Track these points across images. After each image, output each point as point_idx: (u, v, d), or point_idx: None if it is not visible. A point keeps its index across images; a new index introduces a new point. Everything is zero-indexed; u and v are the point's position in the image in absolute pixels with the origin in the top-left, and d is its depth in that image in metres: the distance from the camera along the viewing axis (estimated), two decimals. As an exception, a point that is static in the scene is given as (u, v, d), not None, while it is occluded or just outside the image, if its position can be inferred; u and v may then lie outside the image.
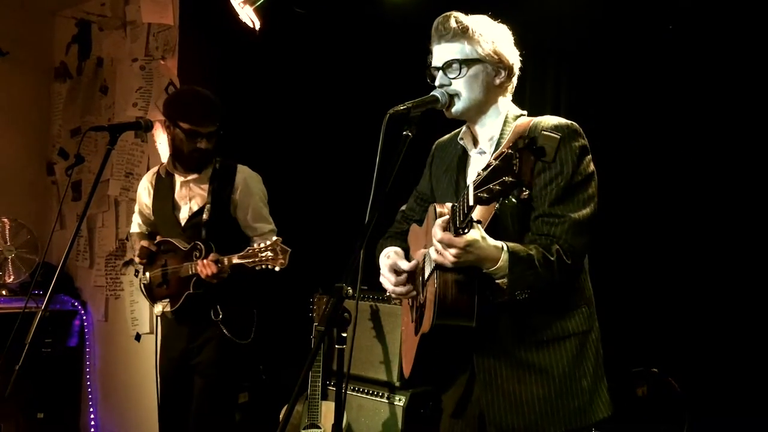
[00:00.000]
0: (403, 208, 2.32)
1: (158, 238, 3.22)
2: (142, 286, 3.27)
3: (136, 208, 3.41)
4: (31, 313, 3.34)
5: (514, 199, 1.49)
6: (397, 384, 3.67)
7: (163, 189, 3.22)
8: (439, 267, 1.73)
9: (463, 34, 1.93)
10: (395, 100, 1.94)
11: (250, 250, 2.88)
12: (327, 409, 3.46)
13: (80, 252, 4.69)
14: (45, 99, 4.98)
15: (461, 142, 2.05)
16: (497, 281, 1.75)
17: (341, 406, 1.86)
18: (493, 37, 1.96)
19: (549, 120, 1.93)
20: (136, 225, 3.44)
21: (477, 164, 2.00)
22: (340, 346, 1.68)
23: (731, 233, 3.17)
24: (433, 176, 2.18)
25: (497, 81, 1.98)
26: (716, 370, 3.25)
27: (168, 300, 3.12)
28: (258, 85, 4.13)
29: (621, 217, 3.28)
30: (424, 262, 1.92)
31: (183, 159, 3.10)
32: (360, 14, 3.80)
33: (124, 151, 4.41)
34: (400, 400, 3.64)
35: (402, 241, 2.20)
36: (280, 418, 3.50)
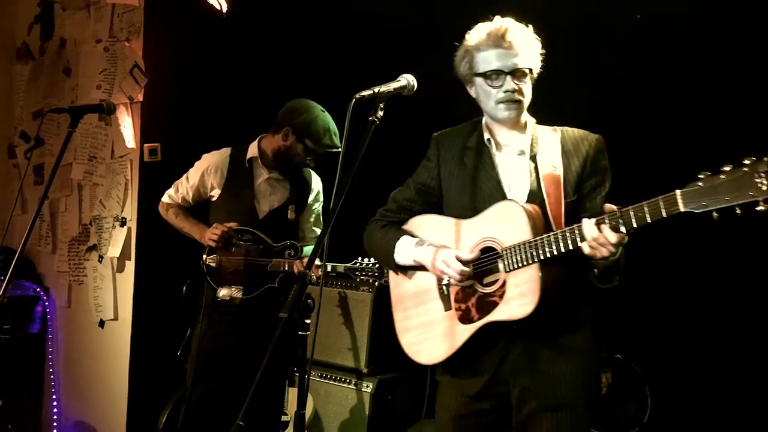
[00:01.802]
0: (397, 197, 2.31)
1: (234, 225, 3.23)
2: (206, 268, 3.28)
3: (192, 183, 3.36)
4: (-9, 299, 3.26)
5: (738, 212, 1.59)
6: (365, 371, 3.68)
7: (241, 177, 3.30)
8: (545, 260, 1.90)
9: (527, 45, 2.07)
10: (363, 84, 1.93)
11: (358, 263, 3.08)
12: (294, 396, 3.44)
13: (43, 237, 4.60)
14: (6, 80, 4.85)
15: (488, 144, 2.14)
16: (600, 268, 1.94)
17: (304, 393, 1.86)
18: (539, 50, 2.11)
19: (578, 130, 2.13)
20: (179, 197, 3.40)
21: (507, 163, 2.12)
22: (304, 333, 1.67)
23: (690, 219, 3.21)
24: (442, 171, 2.20)
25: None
26: (677, 357, 3.31)
27: (241, 287, 3.22)
28: (224, 68, 4.08)
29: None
30: (486, 255, 2.05)
31: (286, 165, 3.29)
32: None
33: (88, 134, 4.32)
34: (367, 386, 3.65)
35: (403, 230, 2.26)
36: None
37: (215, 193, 3.34)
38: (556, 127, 2.14)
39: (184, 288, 3.40)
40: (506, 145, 2.14)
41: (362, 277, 3.11)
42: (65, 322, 4.50)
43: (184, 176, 3.42)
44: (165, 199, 3.46)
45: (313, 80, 3.82)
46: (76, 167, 4.37)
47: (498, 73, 2.04)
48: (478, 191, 2.10)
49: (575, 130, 2.13)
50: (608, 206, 1.84)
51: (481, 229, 2.07)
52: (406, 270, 2.24)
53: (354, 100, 1.86)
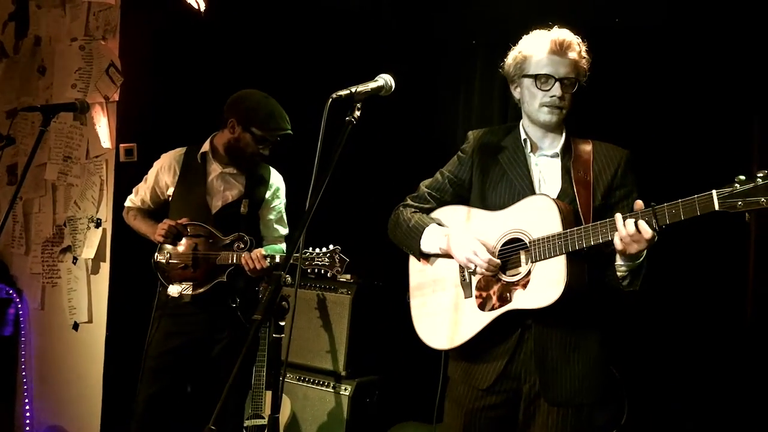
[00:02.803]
0: (427, 186, 2.39)
1: (184, 220, 3.17)
2: (157, 264, 3.23)
3: (149, 183, 3.34)
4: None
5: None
6: (343, 374, 3.66)
7: (195, 173, 3.25)
8: (573, 253, 1.98)
9: (581, 57, 2.18)
10: (340, 83, 1.92)
11: (308, 253, 2.94)
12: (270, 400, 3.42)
13: (16, 238, 4.52)
14: (-21, 78, 4.78)
15: (524, 144, 2.24)
16: (623, 271, 2.02)
17: (278, 396, 1.84)
18: (587, 63, 2.21)
19: (610, 145, 2.25)
20: (138, 200, 3.38)
21: (540, 164, 2.23)
22: (278, 336, 1.65)
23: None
24: (476, 165, 2.30)
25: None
26: (654, 360, 3.33)
27: (191, 283, 3.15)
28: (201, 68, 4.04)
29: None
30: (511, 245, 2.12)
31: (240, 159, 3.20)
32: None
33: (63, 134, 4.26)
34: (345, 389, 3.63)
35: (431, 218, 2.33)
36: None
37: (170, 192, 3.30)
38: (589, 140, 2.25)
39: (158, 290, 3.36)
40: (541, 148, 2.25)
41: (314, 268, 2.92)
42: (39, 324, 4.43)
43: (143, 179, 3.39)
44: (127, 203, 3.44)
45: (291, 80, 3.80)
46: (51, 167, 4.31)
47: (548, 78, 2.15)
48: (509, 187, 2.20)
49: (606, 143, 2.25)
50: (639, 203, 1.92)
51: (509, 221, 2.15)
52: (428, 257, 2.31)
53: (331, 99, 1.85)
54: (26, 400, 4.40)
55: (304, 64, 3.94)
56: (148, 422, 3.16)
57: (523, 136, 2.25)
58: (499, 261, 2.12)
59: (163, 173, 3.32)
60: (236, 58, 4.05)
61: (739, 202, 1.73)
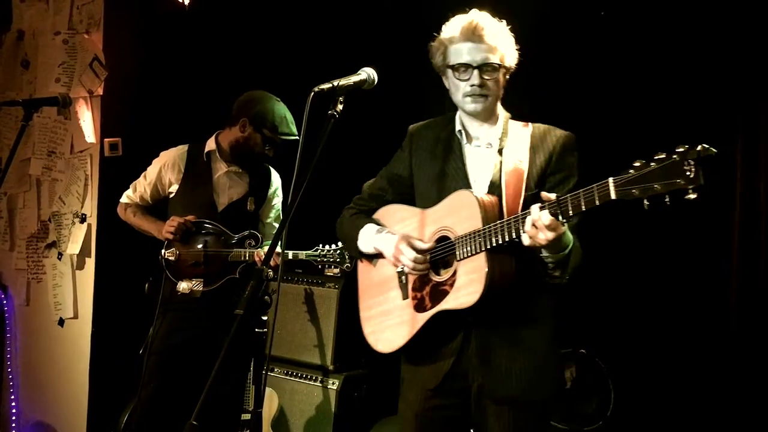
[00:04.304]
0: (369, 186, 2.36)
1: (192, 217, 3.19)
2: (165, 261, 3.23)
3: (150, 179, 3.33)
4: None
5: (667, 201, 1.58)
6: (331, 368, 3.66)
7: (200, 171, 3.28)
8: (492, 249, 1.91)
9: (498, 39, 2.08)
10: (324, 77, 1.91)
11: (319, 249, 3.10)
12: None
13: (0, 234, 4.49)
14: (-38, 73, 4.74)
15: (459, 135, 2.16)
16: (551, 263, 1.95)
17: (261, 391, 1.84)
18: (513, 44, 2.12)
19: (554, 128, 2.13)
20: (137, 196, 3.37)
21: (476, 156, 2.15)
22: (260, 330, 1.66)
23: (651, 217, 3.25)
24: (414, 160, 2.24)
25: (504, 84, 2.15)
26: (640, 351, 3.35)
27: (201, 280, 3.18)
28: (186, 62, 4.02)
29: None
30: (441, 243, 2.06)
31: (245, 158, 3.26)
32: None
33: (47, 128, 4.23)
34: (333, 383, 3.63)
35: (370, 219, 2.28)
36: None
37: (173, 189, 3.31)
38: (529, 123, 2.15)
39: (146, 285, 3.36)
40: (477, 138, 2.17)
41: (325, 264, 3.16)
42: (24, 320, 4.41)
43: (142, 175, 3.38)
44: (123, 199, 3.43)
45: (275, 74, 3.79)
46: (35, 162, 4.27)
47: (466, 67, 2.06)
48: (445, 182, 2.13)
49: (546, 126, 2.15)
50: (545, 195, 1.83)
51: (438, 218, 2.09)
52: (371, 258, 2.27)
53: (313, 93, 1.85)
54: (12, 397, 4.38)
55: (289, 58, 3.92)
56: (153, 418, 3.17)
57: (458, 127, 2.17)
58: (425, 259, 2.06)
59: (166, 170, 3.32)
60: (221, 52, 4.03)
61: (634, 189, 1.61)
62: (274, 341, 3.67)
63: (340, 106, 1.87)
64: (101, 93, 3.99)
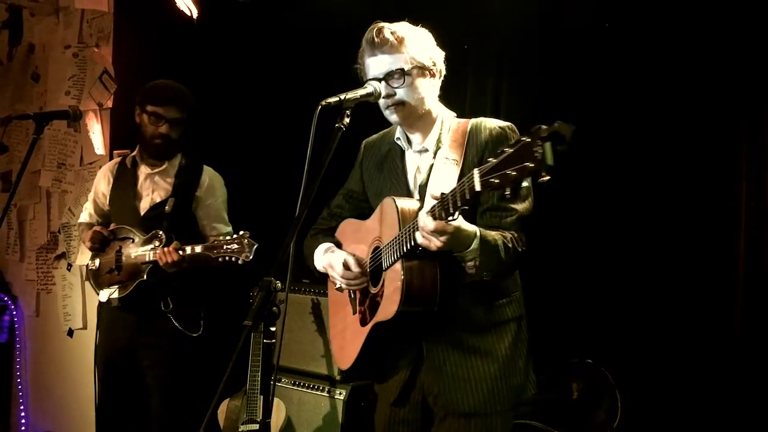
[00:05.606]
0: (329, 205, 2.36)
1: (112, 226, 3.18)
2: (89, 272, 3.22)
3: (90, 197, 3.37)
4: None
5: (527, 184, 1.54)
6: (338, 378, 3.65)
7: (125, 178, 3.23)
8: (406, 255, 1.84)
9: (400, 43, 2.00)
10: (331, 91, 1.93)
11: (215, 240, 2.88)
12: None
13: (10, 245, 4.54)
14: (-26, 86, 4.79)
15: (398, 143, 2.14)
16: (467, 263, 1.85)
17: (269, 403, 1.85)
18: (425, 42, 2.05)
19: (491, 121, 2.05)
20: (86, 215, 3.39)
21: (415, 161, 2.11)
22: (268, 341, 1.68)
23: (658, 224, 3.25)
24: (364, 174, 2.24)
25: (431, 84, 2.07)
26: (648, 361, 3.34)
27: (117, 287, 3.10)
28: (194, 75, 4.04)
29: (551, 209, 3.33)
30: (374, 254, 2.03)
31: (146, 145, 3.16)
32: (298, 3, 3.77)
33: (57, 141, 4.28)
34: (340, 393, 3.62)
35: (330, 237, 2.28)
36: (218, 413, 3.46)
37: (104, 200, 3.31)
38: (473, 119, 2.08)
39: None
40: (416, 144, 2.12)
41: (223, 255, 2.82)
42: (33, 331, 4.44)
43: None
44: (80, 220, 3.45)
45: (283, 86, 3.81)
46: (45, 174, 4.32)
47: (378, 81, 2.00)
48: (390, 192, 2.09)
49: (486, 120, 2.06)
50: (433, 194, 1.77)
51: (373, 228, 2.08)
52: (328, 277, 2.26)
53: (320, 107, 1.85)
54: (22, 407, 4.41)
55: (296, 71, 3.95)
56: (106, 428, 3.18)
57: (397, 135, 2.14)
58: (356, 274, 2.04)
59: (98, 184, 3.33)
60: (229, 65, 4.06)
61: (493, 179, 1.51)
62: (281, 351, 3.68)
63: (347, 119, 1.87)
64: (111, 106, 4.05)
